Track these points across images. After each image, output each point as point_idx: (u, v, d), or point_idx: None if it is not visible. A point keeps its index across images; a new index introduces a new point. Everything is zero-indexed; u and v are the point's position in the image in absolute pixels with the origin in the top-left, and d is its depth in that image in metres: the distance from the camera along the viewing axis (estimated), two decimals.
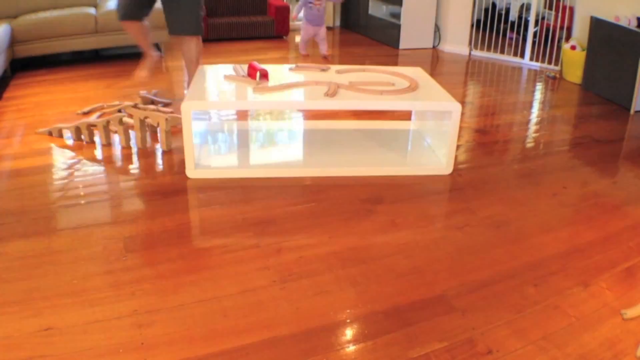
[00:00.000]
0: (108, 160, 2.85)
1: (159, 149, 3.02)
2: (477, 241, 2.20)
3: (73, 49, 4.74)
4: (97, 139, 3.11)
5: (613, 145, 3.33)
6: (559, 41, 5.26)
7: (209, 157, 2.80)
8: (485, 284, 1.92)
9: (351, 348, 1.62)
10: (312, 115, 3.55)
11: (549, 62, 5.27)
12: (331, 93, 2.71)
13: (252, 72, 2.89)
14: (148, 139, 2.66)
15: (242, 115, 3.60)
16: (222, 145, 3.01)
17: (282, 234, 2.19)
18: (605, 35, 4.27)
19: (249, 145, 3.01)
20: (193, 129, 2.58)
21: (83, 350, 1.55)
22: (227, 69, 3.10)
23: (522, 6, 6.43)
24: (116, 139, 3.10)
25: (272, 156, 2.86)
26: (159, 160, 2.89)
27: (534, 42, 5.45)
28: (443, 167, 2.80)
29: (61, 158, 2.85)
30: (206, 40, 5.77)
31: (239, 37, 6.04)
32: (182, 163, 2.70)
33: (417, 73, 3.26)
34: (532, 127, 3.65)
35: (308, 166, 2.72)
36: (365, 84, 2.89)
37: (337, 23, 7.16)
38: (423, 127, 3.24)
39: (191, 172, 2.65)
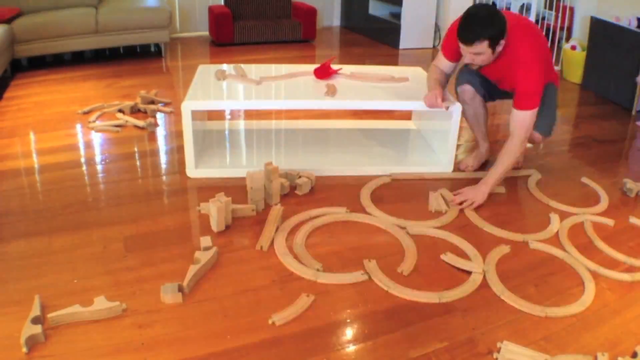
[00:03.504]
0: (107, 161, 2.85)
1: (160, 148, 3.03)
2: (477, 241, 2.20)
3: (73, 49, 4.74)
4: (95, 139, 3.12)
5: (613, 145, 3.33)
6: (559, 41, 5.25)
7: (209, 157, 2.79)
8: (486, 284, 1.92)
9: (351, 348, 1.62)
10: (312, 114, 3.55)
11: None
12: (331, 93, 2.71)
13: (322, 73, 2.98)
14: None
15: (242, 114, 3.60)
16: (222, 145, 3.00)
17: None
18: (605, 35, 4.27)
19: (249, 145, 3.01)
20: (193, 128, 2.57)
21: (83, 350, 1.55)
22: (228, 69, 3.10)
23: (522, 6, 6.43)
24: (114, 139, 3.11)
25: (272, 155, 2.86)
26: (159, 159, 2.89)
27: None
28: (443, 167, 2.80)
29: (61, 158, 2.85)
30: (231, 44, 5.76)
31: (264, 40, 5.90)
32: (183, 163, 2.69)
33: (417, 73, 3.25)
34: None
35: (308, 166, 2.71)
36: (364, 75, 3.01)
37: (337, 23, 7.17)
38: (423, 127, 3.24)
39: (191, 172, 2.65)
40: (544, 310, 1.74)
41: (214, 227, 2.18)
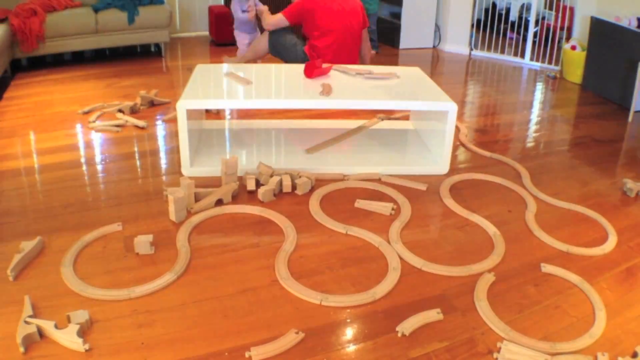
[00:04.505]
0: (107, 161, 2.84)
1: (161, 148, 3.03)
2: (477, 241, 2.20)
3: (73, 49, 4.74)
4: (95, 139, 3.12)
5: (613, 145, 3.33)
6: (559, 41, 5.26)
7: (206, 156, 2.79)
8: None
9: (351, 348, 1.62)
10: (310, 114, 3.55)
11: (550, 62, 5.27)
12: (326, 92, 2.71)
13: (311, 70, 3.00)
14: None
15: (239, 113, 3.60)
16: (219, 144, 3.00)
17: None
18: (605, 35, 4.27)
19: (246, 144, 3.01)
20: (189, 127, 2.57)
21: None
22: (226, 68, 3.11)
23: (522, 6, 6.43)
24: (114, 139, 3.11)
25: (270, 155, 2.86)
26: (159, 159, 2.89)
27: (534, 42, 5.45)
28: (440, 167, 2.80)
29: (61, 158, 2.85)
30: (231, 44, 5.74)
31: None
32: (179, 161, 2.68)
33: (415, 73, 3.26)
34: (532, 127, 3.65)
35: (306, 165, 2.71)
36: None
37: None
38: (421, 127, 3.24)
39: (186, 170, 2.64)
40: (554, 346, 1.61)
41: (173, 217, 2.22)
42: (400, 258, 2.04)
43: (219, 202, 2.38)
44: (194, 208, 2.30)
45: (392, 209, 2.38)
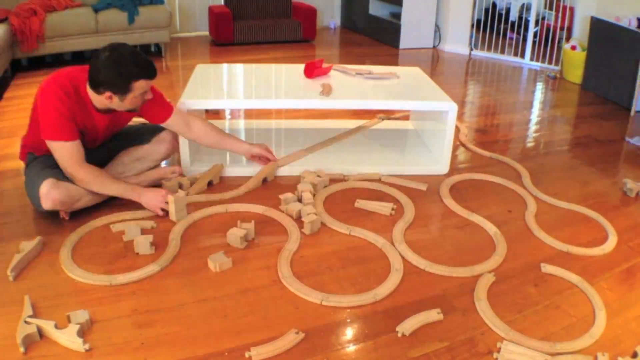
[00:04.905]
0: None
1: None
2: (477, 241, 2.20)
3: (73, 49, 4.74)
4: None
5: (613, 145, 3.33)
6: (559, 41, 5.26)
7: (206, 155, 2.79)
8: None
9: (351, 348, 1.62)
10: (310, 114, 3.55)
11: (550, 62, 5.27)
12: (326, 92, 2.71)
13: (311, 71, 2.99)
14: None
15: (239, 113, 3.60)
16: None
17: (281, 234, 2.18)
18: (605, 35, 4.27)
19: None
20: None
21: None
22: (225, 68, 3.11)
23: (522, 6, 6.43)
24: None
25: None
26: None
27: (534, 42, 5.45)
28: (440, 167, 2.80)
29: None
30: (231, 44, 5.77)
31: (264, 40, 5.90)
32: (179, 161, 2.68)
33: (415, 73, 3.26)
34: (532, 127, 3.65)
35: (307, 165, 2.71)
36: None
37: (338, 22, 7.17)
38: (421, 127, 3.24)
39: (187, 170, 2.64)
40: (553, 346, 1.61)
41: (173, 217, 2.24)
42: (403, 258, 2.04)
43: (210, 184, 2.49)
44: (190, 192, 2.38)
45: (392, 209, 2.38)
